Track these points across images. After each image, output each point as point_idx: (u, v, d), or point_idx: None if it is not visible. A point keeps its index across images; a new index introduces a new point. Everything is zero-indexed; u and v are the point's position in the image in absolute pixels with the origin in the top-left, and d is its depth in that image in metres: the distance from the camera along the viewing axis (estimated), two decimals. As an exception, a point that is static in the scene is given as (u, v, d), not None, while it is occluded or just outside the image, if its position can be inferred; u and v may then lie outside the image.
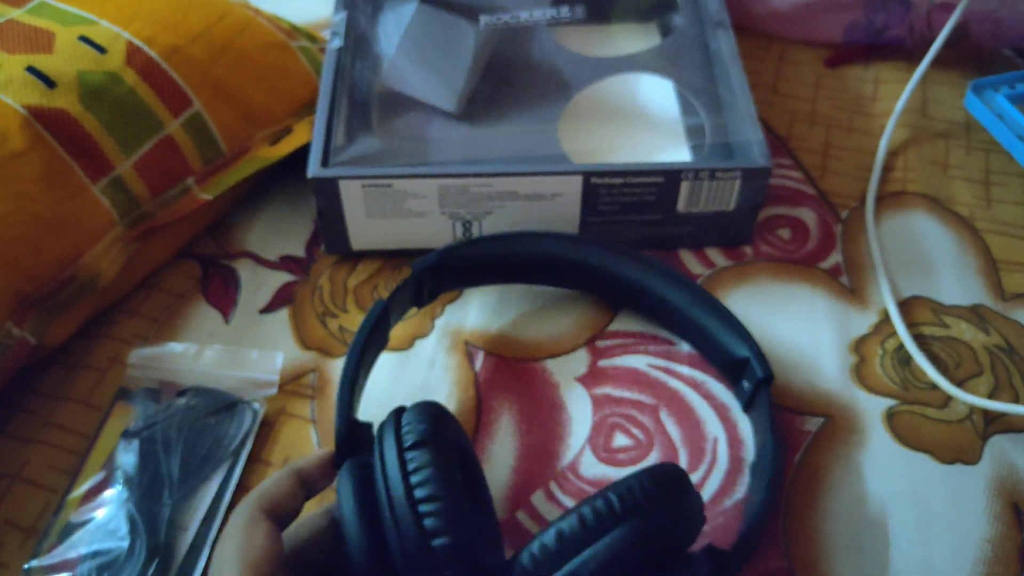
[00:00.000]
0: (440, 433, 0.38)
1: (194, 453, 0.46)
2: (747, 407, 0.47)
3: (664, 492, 0.35)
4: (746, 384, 0.47)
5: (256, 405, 0.48)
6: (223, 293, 0.55)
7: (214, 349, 0.50)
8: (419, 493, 0.36)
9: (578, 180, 0.51)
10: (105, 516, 0.43)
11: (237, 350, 0.50)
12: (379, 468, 0.37)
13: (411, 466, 0.36)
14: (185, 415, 0.47)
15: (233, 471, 0.46)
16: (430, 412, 0.38)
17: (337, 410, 0.41)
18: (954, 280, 0.54)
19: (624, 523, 0.34)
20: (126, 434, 0.46)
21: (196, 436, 0.46)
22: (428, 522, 0.35)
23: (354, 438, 0.41)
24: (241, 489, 0.45)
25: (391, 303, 0.46)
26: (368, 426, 0.41)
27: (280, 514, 0.37)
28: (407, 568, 0.35)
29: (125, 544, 0.42)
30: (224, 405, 0.48)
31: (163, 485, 0.44)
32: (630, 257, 0.50)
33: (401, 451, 0.37)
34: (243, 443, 0.47)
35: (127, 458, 0.45)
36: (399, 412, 0.39)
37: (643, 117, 0.59)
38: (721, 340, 0.48)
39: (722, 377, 0.50)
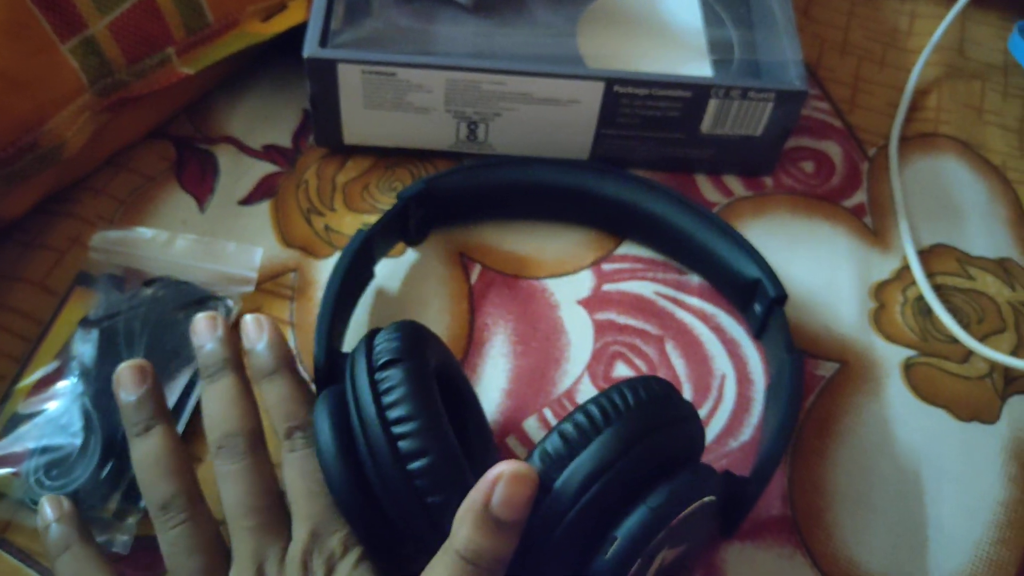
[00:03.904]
0: (415, 350, 0.34)
1: (159, 349, 0.42)
2: (759, 332, 0.44)
3: (646, 396, 0.32)
4: (758, 307, 0.44)
5: (230, 302, 0.44)
6: (199, 179, 0.50)
7: (187, 238, 0.46)
8: (392, 414, 0.32)
9: (600, 87, 0.47)
10: (57, 409, 0.39)
11: (212, 241, 0.46)
12: (350, 391, 0.33)
13: (383, 386, 0.33)
14: (151, 307, 0.43)
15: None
16: (405, 330, 0.35)
17: (315, 342, 0.38)
18: (982, 230, 0.51)
19: (605, 429, 0.31)
20: (85, 322, 0.42)
21: (162, 331, 0.42)
22: (403, 444, 0.32)
23: (333, 368, 0.37)
24: (209, 391, 0.42)
25: (374, 235, 0.43)
26: (347, 356, 0.37)
27: None
28: (387, 497, 0.32)
29: (78, 441, 0.38)
30: (195, 299, 0.44)
31: (123, 380, 0.40)
32: (633, 182, 0.47)
33: (372, 371, 0.33)
34: (214, 342, 0.42)
35: (84, 348, 0.41)
36: (373, 333, 0.35)
37: (663, 26, 0.54)
38: (729, 262, 0.45)
39: (731, 306, 0.46)
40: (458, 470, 0.32)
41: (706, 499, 0.32)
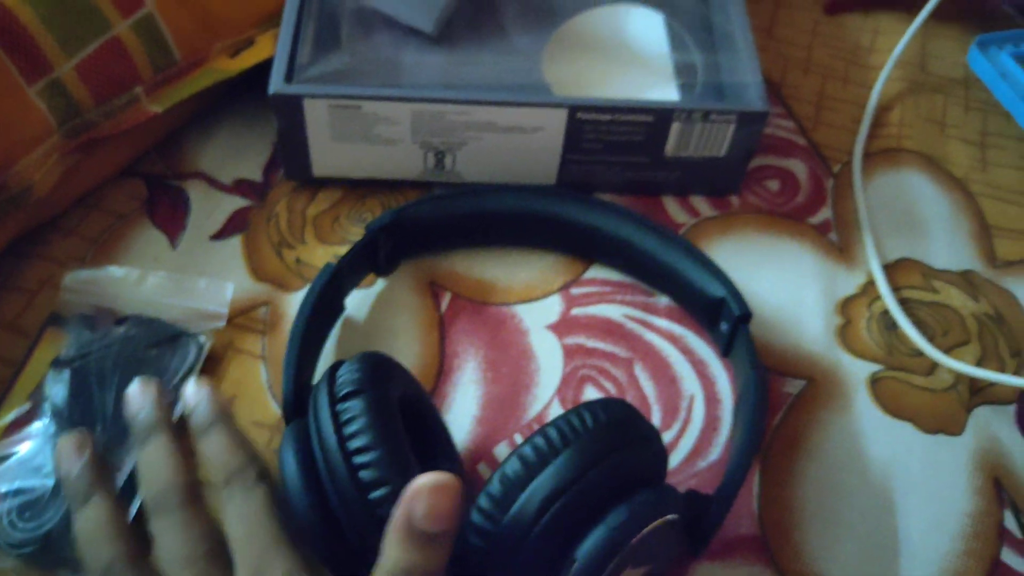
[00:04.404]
0: (377, 381, 0.35)
1: (131, 387, 0.42)
2: (726, 350, 0.45)
3: (605, 418, 0.33)
4: (724, 325, 0.44)
5: (202, 338, 0.44)
6: (171, 216, 0.50)
7: (158, 275, 0.46)
8: (353, 444, 0.33)
9: (563, 114, 0.47)
10: (29, 451, 0.40)
11: (183, 278, 0.46)
12: (312, 424, 0.34)
13: (344, 417, 0.34)
14: (123, 345, 0.43)
15: (174, 409, 0.42)
16: (366, 361, 0.36)
17: (283, 377, 0.39)
18: (946, 244, 0.52)
19: (563, 451, 0.32)
20: (56, 363, 0.43)
21: (134, 369, 0.43)
22: (364, 474, 0.33)
23: (301, 402, 0.38)
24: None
25: (343, 267, 0.43)
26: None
27: None
28: (352, 528, 0.33)
29: (50, 483, 0.39)
30: (167, 337, 0.44)
31: (95, 420, 0.41)
32: (600, 207, 0.47)
33: (334, 403, 0.34)
34: (186, 378, 0.43)
35: (57, 389, 0.42)
36: (336, 365, 0.36)
37: (630, 51, 0.55)
38: (694, 282, 0.45)
39: (698, 325, 0.47)
40: None
41: (668, 517, 0.33)
